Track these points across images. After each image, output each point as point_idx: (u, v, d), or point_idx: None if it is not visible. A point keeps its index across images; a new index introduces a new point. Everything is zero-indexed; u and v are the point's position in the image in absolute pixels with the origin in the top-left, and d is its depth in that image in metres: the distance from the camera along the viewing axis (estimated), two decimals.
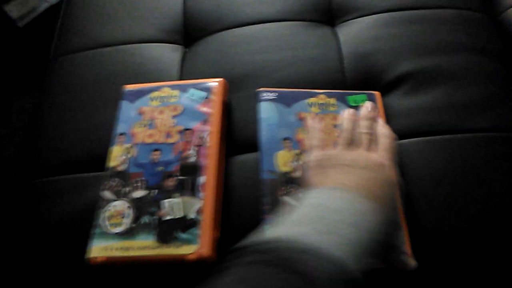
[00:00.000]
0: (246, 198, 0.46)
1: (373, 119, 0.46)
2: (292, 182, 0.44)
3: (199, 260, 0.42)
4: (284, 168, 0.45)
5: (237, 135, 0.52)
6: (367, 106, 0.47)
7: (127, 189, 0.46)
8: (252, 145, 0.48)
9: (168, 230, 0.43)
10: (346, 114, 0.46)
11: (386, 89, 0.53)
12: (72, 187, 0.51)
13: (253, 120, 0.49)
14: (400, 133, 0.48)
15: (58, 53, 0.67)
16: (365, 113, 0.46)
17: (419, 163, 0.47)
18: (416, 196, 0.45)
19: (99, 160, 0.50)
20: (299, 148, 0.46)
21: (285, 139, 0.46)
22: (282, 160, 0.45)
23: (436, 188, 0.45)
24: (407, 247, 0.40)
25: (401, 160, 0.46)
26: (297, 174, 0.44)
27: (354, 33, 0.59)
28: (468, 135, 0.48)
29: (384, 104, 0.51)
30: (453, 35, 0.57)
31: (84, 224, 0.46)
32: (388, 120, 0.49)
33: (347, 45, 0.58)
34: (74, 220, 0.48)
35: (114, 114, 0.52)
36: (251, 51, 0.59)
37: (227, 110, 0.53)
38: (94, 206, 0.46)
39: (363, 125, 0.44)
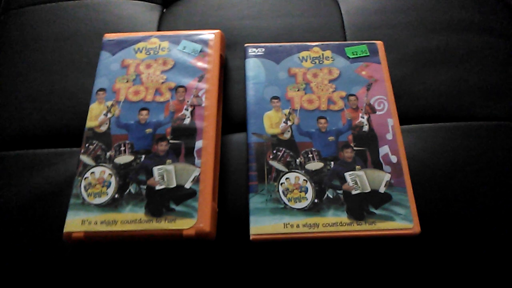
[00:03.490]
0: (241, 180, 0.41)
1: None
2: (280, 145, 0.40)
3: (197, 236, 0.35)
4: (271, 130, 0.40)
5: (229, 110, 0.45)
6: None
7: (109, 153, 0.38)
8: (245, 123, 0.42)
9: (160, 202, 0.36)
10: None
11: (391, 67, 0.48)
12: (30, 165, 0.42)
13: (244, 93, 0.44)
14: (404, 117, 0.44)
15: (11, 5, 0.56)
16: None
17: (424, 152, 0.42)
18: (425, 185, 0.40)
19: (62, 134, 0.43)
20: (289, 107, 0.41)
21: (273, 98, 0.42)
22: (270, 122, 0.41)
23: (445, 177, 0.41)
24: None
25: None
26: (286, 136, 0.40)
27: (357, 3, 0.54)
28: (481, 123, 0.44)
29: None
30: (467, 13, 0.53)
31: (47, 204, 0.39)
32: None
33: (349, 16, 0.53)
34: (42, 198, 0.40)
35: (80, 80, 0.45)
36: (241, 16, 0.53)
37: (224, 68, 0.46)
38: (58, 186, 0.39)
39: None
